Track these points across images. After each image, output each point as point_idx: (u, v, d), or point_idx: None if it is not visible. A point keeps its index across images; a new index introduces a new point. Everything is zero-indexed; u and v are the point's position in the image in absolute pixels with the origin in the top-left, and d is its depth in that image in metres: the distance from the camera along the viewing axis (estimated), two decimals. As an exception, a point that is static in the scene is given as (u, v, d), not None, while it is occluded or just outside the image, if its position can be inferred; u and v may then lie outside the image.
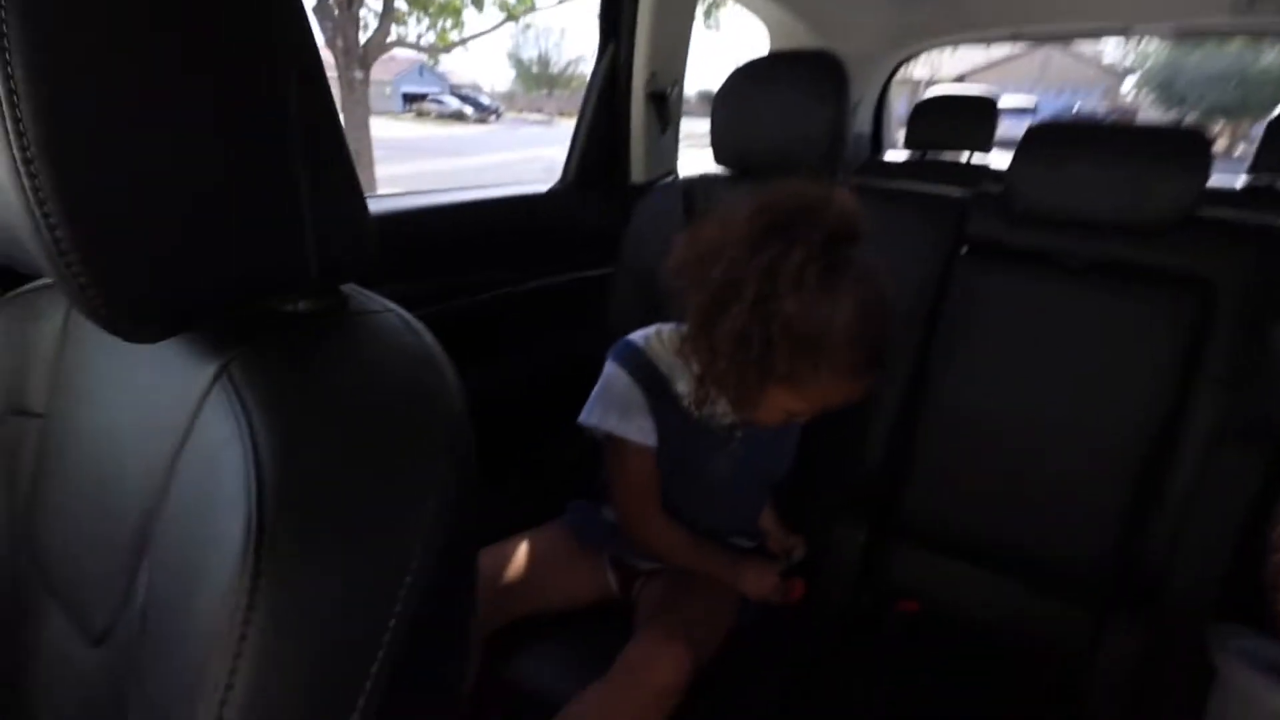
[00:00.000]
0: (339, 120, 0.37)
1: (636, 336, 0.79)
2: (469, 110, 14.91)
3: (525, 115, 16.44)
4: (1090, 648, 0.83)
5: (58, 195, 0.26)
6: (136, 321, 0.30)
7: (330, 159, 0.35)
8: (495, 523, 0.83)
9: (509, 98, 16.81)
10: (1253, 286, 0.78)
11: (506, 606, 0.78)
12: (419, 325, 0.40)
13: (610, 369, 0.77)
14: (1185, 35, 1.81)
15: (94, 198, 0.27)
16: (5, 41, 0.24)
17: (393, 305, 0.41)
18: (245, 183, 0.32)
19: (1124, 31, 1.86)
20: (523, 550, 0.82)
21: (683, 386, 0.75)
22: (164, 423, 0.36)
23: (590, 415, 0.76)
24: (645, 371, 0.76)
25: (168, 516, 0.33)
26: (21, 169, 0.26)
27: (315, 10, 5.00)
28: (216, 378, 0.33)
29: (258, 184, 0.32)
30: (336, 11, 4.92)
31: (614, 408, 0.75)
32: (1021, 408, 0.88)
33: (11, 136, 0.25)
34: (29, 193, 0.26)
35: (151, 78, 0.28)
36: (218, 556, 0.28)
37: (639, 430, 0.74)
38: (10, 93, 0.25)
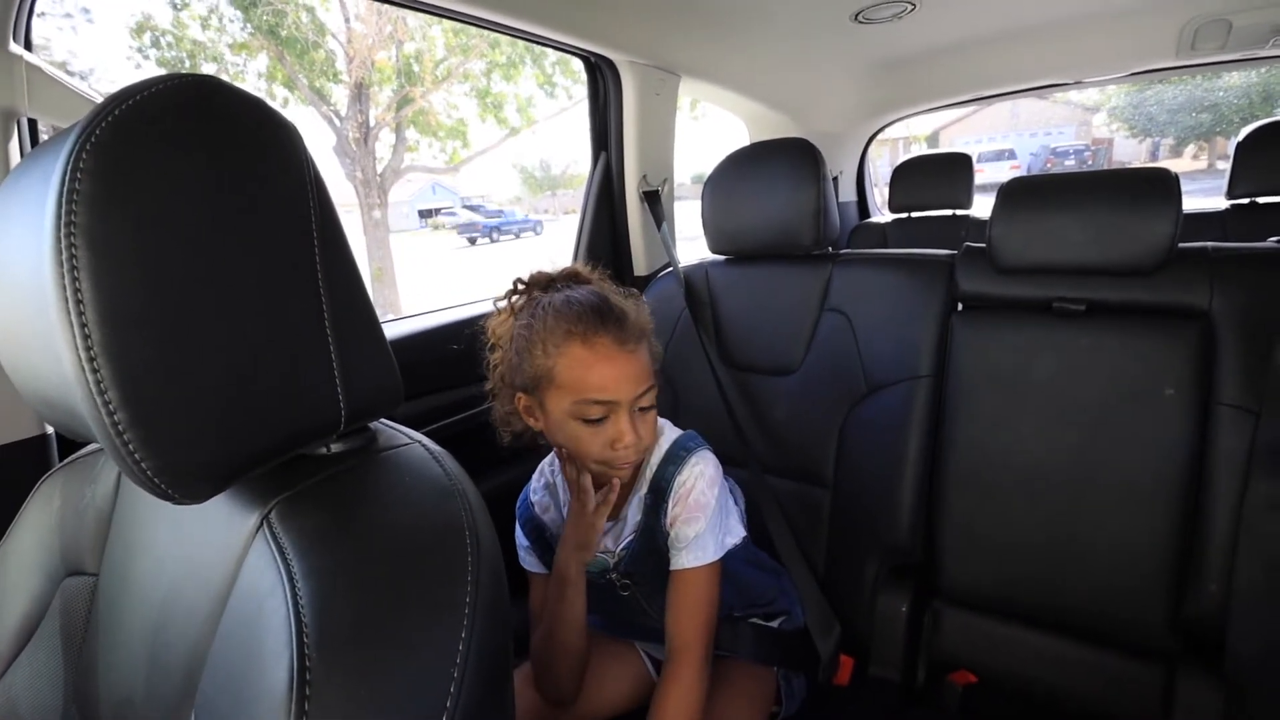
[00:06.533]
0: (357, 267, 0.41)
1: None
2: (478, 219, 15.95)
3: (531, 215, 17.60)
4: (1164, 710, 0.77)
5: (116, 385, 0.30)
6: (186, 486, 0.33)
7: (351, 306, 0.39)
8: (527, 638, 0.82)
9: (516, 201, 18.04)
10: (1249, 311, 0.79)
11: None
12: (440, 452, 0.42)
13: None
14: (1138, 79, 1.91)
15: (148, 382, 0.31)
16: (75, 263, 0.29)
17: (416, 435, 0.44)
18: (283, 345, 0.35)
19: (1077, 84, 1.97)
20: None
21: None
22: (209, 575, 0.38)
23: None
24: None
25: (213, 669, 0.35)
26: (85, 366, 0.29)
27: (335, 149, 5.52)
28: (258, 529, 0.36)
29: (295, 345, 0.36)
30: (355, 148, 5.43)
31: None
32: (1044, 457, 0.87)
33: (78, 339, 0.29)
34: (91, 385, 0.29)
35: (205, 273, 0.32)
36: (262, 708, 0.29)
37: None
38: (78, 303, 0.29)
